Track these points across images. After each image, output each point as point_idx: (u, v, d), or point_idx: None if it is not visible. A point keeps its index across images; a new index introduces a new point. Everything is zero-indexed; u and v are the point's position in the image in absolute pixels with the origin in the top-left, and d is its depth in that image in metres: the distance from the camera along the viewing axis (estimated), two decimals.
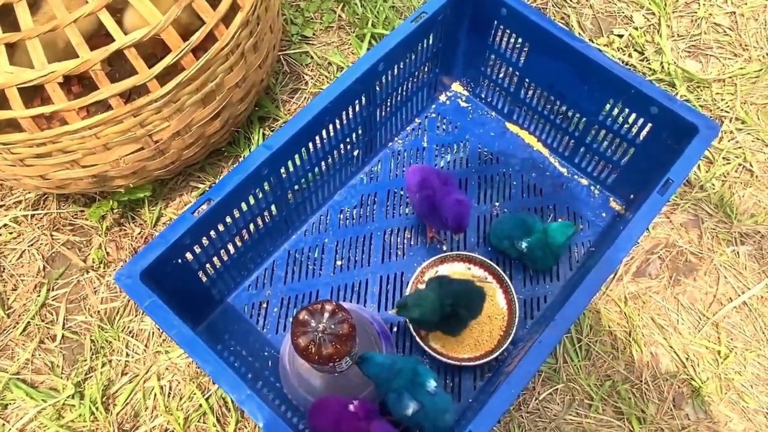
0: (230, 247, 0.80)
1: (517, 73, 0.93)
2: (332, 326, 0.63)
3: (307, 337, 0.62)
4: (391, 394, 0.72)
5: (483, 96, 1.02)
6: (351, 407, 0.72)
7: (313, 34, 1.09)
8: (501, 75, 0.97)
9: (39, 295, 0.90)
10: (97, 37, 0.81)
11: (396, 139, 1.00)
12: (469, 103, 1.04)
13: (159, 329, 0.87)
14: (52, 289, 0.91)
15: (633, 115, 0.83)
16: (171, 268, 0.71)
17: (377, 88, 0.85)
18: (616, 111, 0.84)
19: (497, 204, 0.95)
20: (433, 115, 1.03)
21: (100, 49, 0.69)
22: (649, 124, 0.82)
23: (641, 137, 0.84)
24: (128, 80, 0.72)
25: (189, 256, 0.74)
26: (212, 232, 0.75)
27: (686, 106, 0.77)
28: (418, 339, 0.82)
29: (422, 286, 0.84)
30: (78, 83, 0.92)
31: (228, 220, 0.76)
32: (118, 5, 0.80)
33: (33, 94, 0.78)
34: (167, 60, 0.73)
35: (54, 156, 0.76)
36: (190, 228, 0.70)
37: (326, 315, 0.63)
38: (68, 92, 0.90)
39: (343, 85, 0.78)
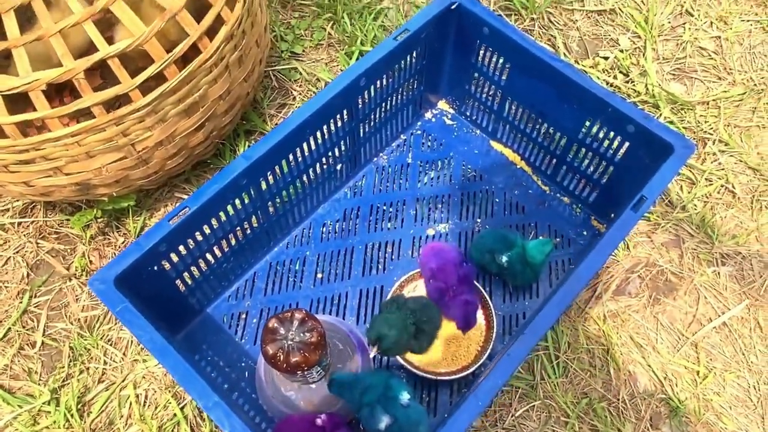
0: (209, 256, 0.81)
1: (500, 91, 0.95)
2: (301, 334, 0.63)
3: (276, 345, 0.62)
4: (364, 408, 0.72)
5: (468, 114, 1.04)
6: (318, 421, 0.72)
7: (303, 51, 1.11)
8: (485, 94, 0.98)
9: (21, 302, 0.90)
10: (89, 51, 0.83)
11: (381, 154, 1.01)
12: (454, 121, 1.05)
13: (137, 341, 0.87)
14: (35, 296, 0.91)
15: (611, 134, 0.84)
16: (147, 275, 0.72)
17: (360, 103, 0.87)
18: (594, 129, 0.85)
19: (479, 220, 0.95)
20: (419, 131, 1.04)
21: (83, 58, 0.71)
22: (627, 143, 0.83)
23: (619, 156, 0.85)
24: (111, 89, 0.73)
25: (166, 264, 0.74)
26: (189, 241, 0.75)
27: (662, 125, 0.78)
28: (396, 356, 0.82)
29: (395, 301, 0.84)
30: (70, 95, 0.94)
31: (206, 229, 0.76)
32: (109, 22, 0.82)
33: (24, 104, 0.80)
34: (150, 70, 0.74)
35: (37, 163, 0.77)
36: (166, 235, 0.70)
37: (296, 323, 0.63)
38: (60, 103, 0.92)
39: (324, 99, 0.79)
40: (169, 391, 0.83)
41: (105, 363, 0.85)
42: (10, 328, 0.88)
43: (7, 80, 0.70)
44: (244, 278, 0.90)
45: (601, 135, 0.85)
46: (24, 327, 0.89)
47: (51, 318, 0.90)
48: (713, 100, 1.07)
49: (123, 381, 0.84)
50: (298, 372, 0.64)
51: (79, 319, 0.89)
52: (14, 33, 0.71)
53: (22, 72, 0.70)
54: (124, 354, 0.86)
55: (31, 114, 0.72)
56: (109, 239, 0.94)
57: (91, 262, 0.93)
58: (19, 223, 0.97)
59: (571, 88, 0.83)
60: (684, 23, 1.15)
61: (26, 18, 0.76)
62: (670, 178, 0.75)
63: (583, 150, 0.89)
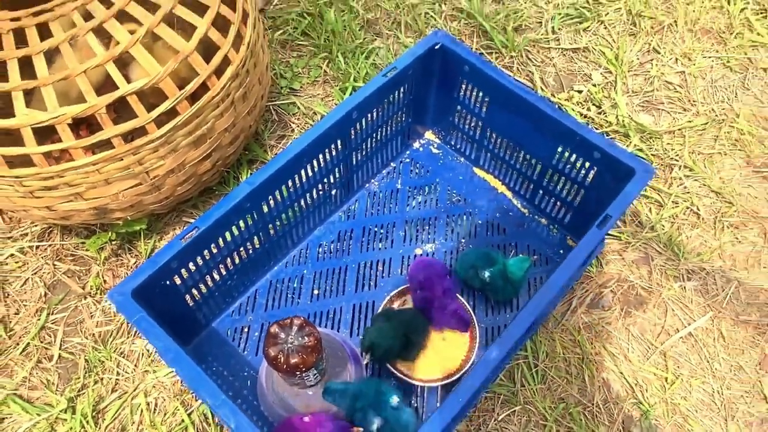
0: (215, 274, 0.89)
1: (481, 123, 1.04)
2: (300, 338, 0.70)
3: (277, 348, 0.70)
4: (358, 413, 0.79)
5: (453, 143, 1.13)
6: (306, 418, 0.78)
7: (301, 87, 1.21)
8: (467, 125, 1.07)
9: (39, 319, 0.97)
10: (105, 87, 0.92)
11: (372, 180, 1.10)
12: (440, 150, 1.14)
13: (148, 350, 0.94)
14: (52, 314, 0.98)
15: (580, 160, 0.92)
16: (159, 290, 0.79)
17: (352, 134, 0.95)
18: (566, 156, 0.94)
19: (463, 240, 1.03)
20: (407, 160, 1.13)
21: (105, 95, 0.80)
22: (594, 168, 0.91)
23: (589, 180, 0.93)
24: (129, 122, 0.82)
25: (177, 279, 0.82)
26: (198, 258, 0.83)
27: (625, 151, 0.87)
28: (387, 363, 0.89)
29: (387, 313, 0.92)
30: (86, 128, 1.03)
31: (213, 248, 0.84)
32: (125, 61, 0.91)
33: (45, 135, 0.88)
34: (164, 105, 0.83)
35: (60, 189, 0.85)
36: (177, 253, 0.78)
37: (295, 329, 0.71)
38: (77, 136, 1.00)
39: (320, 131, 0.88)
40: (178, 399, 0.90)
41: (118, 374, 0.92)
42: (29, 343, 0.95)
43: (37, 115, 0.79)
44: (247, 295, 0.98)
45: (572, 161, 0.94)
46: (41, 342, 0.96)
47: (67, 333, 0.97)
48: (679, 129, 1.16)
49: (134, 390, 0.91)
50: (297, 373, 0.71)
51: (93, 334, 0.96)
52: (43, 72, 0.80)
53: (51, 107, 0.79)
54: (135, 365, 0.93)
55: (58, 145, 0.80)
56: (122, 260, 1.02)
57: (105, 281, 1.00)
58: (38, 247, 1.05)
59: (544, 119, 0.92)
60: (651, 59, 1.25)
61: (48, 57, 0.85)
62: (631, 199, 0.83)
63: (557, 175, 0.98)
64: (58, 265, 1.03)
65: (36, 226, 1.06)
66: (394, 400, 0.80)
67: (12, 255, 1.04)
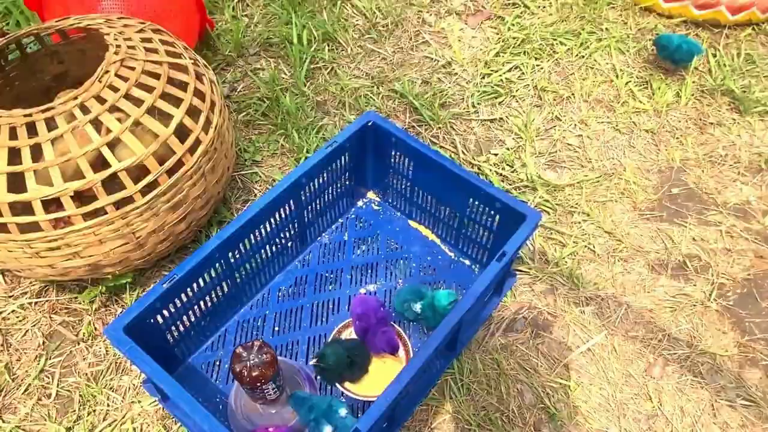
0: (191, 315, 1.07)
1: (410, 183, 1.26)
2: (259, 356, 0.89)
3: (241, 364, 0.88)
4: (311, 422, 0.97)
5: (390, 201, 1.35)
6: (270, 429, 0.96)
7: (262, 159, 1.43)
8: (400, 185, 1.29)
9: (38, 363, 1.14)
10: (97, 164, 1.12)
11: (323, 234, 1.30)
12: (380, 207, 1.36)
13: (134, 385, 1.11)
14: (49, 358, 1.15)
15: (487, 210, 1.15)
16: (145, 327, 0.97)
17: (302, 196, 1.17)
18: (476, 207, 1.16)
19: (400, 281, 1.24)
20: (353, 216, 1.34)
21: (101, 172, 1.00)
22: (498, 215, 1.13)
23: (495, 225, 1.15)
24: (120, 193, 1.02)
25: (159, 318, 1.00)
26: (177, 300, 1.02)
27: (518, 201, 1.09)
28: (336, 384, 1.07)
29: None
30: (78, 197, 1.22)
31: (189, 291, 1.03)
32: (113, 143, 1.11)
33: (49, 204, 1.07)
34: (148, 178, 1.04)
35: (61, 249, 1.04)
36: (160, 295, 0.97)
37: (255, 349, 0.90)
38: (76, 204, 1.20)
39: (275, 194, 1.09)
40: (160, 423, 1.06)
41: (108, 405, 1.08)
42: (30, 384, 1.11)
43: (45, 189, 0.99)
44: (218, 333, 1.15)
45: (481, 211, 1.16)
46: (41, 382, 1.12)
47: (63, 374, 1.13)
48: (577, 182, 1.40)
49: (123, 418, 1.07)
50: (258, 384, 0.89)
51: (86, 374, 1.12)
52: (50, 156, 1.00)
53: (56, 183, 0.99)
54: (123, 398, 1.09)
55: (62, 213, 1.00)
56: (110, 310, 1.20)
57: (95, 329, 1.17)
58: (36, 303, 1.22)
59: (456, 178, 1.14)
60: (554, 126, 1.50)
61: (53, 141, 1.05)
62: (524, 237, 1.05)
63: (472, 223, 1.20)
64: (54, 318, 1.20)
65: (34, 285, 1.23)
66: (342, 411, 0.98)
67: (13, 311, 1.21)
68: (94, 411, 1.08)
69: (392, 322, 1.13)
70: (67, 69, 1.37)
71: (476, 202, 1.15)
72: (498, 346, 1.17)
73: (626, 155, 1.45)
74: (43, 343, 1.17)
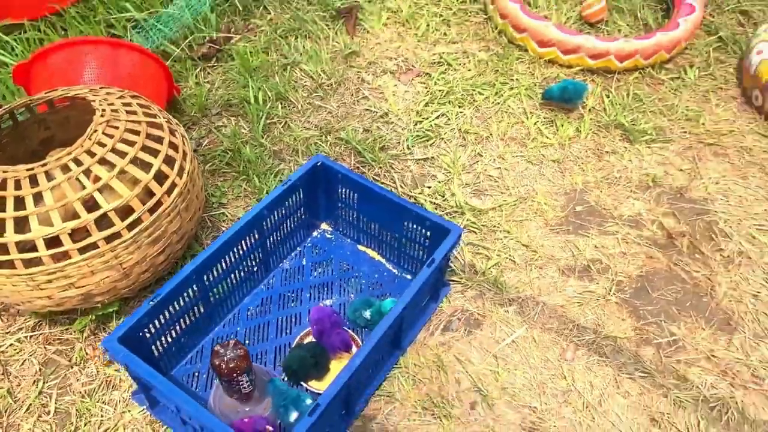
0: (173, 331, 1.25)
1: (356, 213, 1.49)
2: (234, 351, 1.08)
3: (219, 358, 1.07)
4: (281, 408, 1.16)
5: (341, 229, 1.57)
6: (246, 419, 1.14)
7: (227, 201, 1.64)
8: (348, 215, 1.52)
9: (37, 387, 1.29)
10: (89, 205, 1.32)
11: (284, 260, 1.51)
12: (332, 235, 1.58)
13: (123, 398, 1.27)
14: (46, 382, 1.30)
15: (419, 228, 1.38)
16: (136, 340, 1.15)
17: (264, 227, 1.38)
18: (411, 228, 1.39)
19: (352, 295, 1.44)
20: (309, 244, 1.56)
21: (93, 212, 1.20)
22: (429, 232, 1.37)
23: (427, 242, 1.38)
24: (109, 230, 1.22)
25: (146, 333, 1.18)
26: (161, 317, 1.20)
27: (443, 219, 1.33)
28: (302, 383, 1.26)
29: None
30: (73, 235, 1.40)
31: (171, 309, 1.22)
32: (102, 188, 1.31)
33: (48, 241, 1.25)
34: (133, 216, 1.24)
35: (59, 280, 1.22)
36: (147, 312, 1.16)
37: (230, 346, 1.09)
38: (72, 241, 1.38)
39: (240, 225, 1.30)
40: (150, 426, 1.22)
41: (102, 416, 1.24)
42: (30, 404, 1.27)
43: (45, 229, 1.18)
44: (196, 349, 1.34)
45: (415, 230, 1.39)
46: (40, 401, 1.27)
47: (59, 394, 1.29)
48: (499, 206, 1.65)
49: (115, 426, 1.23)
50: (234, 375, 1.08)
51: (80, 392, 1.28)
52: (50, 201, 1.20)
53: (56, 224, 1.18)
54: (115, 409, 1.25)
55: (60, 248, 1.18)
56: (98, 337, 1.36)
57: (86, 353, 1.34)
58: (31, 336, 1.38)
59: (394, 205, 1.38)
60: (477, 161, 1.77)
61: (52, 189, 1.25)
62: (449, 248, 1.28)
63: (409, 242, 1.43)
64: (48, 348, 1.36)
65: (29, 321, 1.40)
66: (308, 401, 1.17)
67: (11, 344, 1.37)
68: (90, 422, 1.24)
69: (345, 327, 1.34)
70: (53, 134, 1.57)
71: (411, 224, 1.39)
72: (437, 343, 1.38)
73: (537, 182, 1.71)
74: (40, 369, 1.33)
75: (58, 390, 1.29)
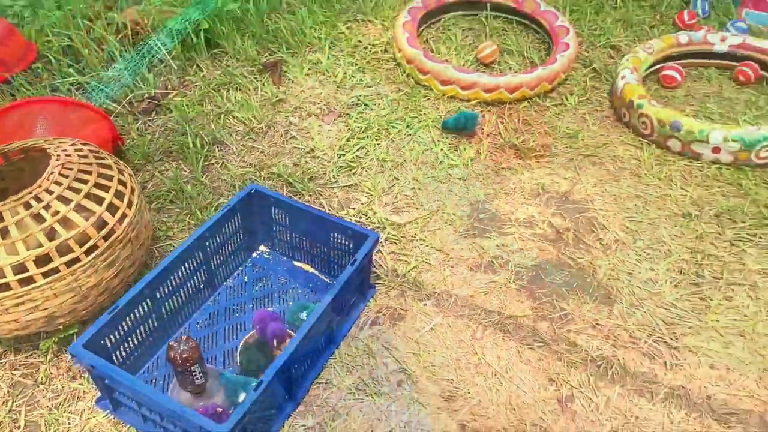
0: (130, 342, 1.42)
1: (290, 232, 1.71)
2: (186, 344, 1.27)
3: (174, 351, 1.25)
4: (232, 394, 1.34)
5: (277, 249, 1.78)
6: (200, 409, 1.32)
7: (173, 234, 1.83)
8: (283, 235, 1.73)
9: (6, 406, 1.42)
10: (50, 235, 1.48)
11: (228, 279, 1.70)
12: (270, 255, 1.78)
13: (88, 407, 1.42)
14: (15, 401, 1.44)
15: (343, 238, 1.61)
16: (98, 348, 1.32)
17: (207, 248, 1.58)
18: (337, 239, 1.62)
19: (290, 303, 1.65)
20: (249, 264, 1.76)
21: (54, 241, 1.38)
22: (351, 241, 1.60)
23: (352, 249, 1.61)
24: (70, 255, 1.39)
25: (107, 341, 1.35)
26: (119, 327, 1.37)
27: (363, 227, 1.57)
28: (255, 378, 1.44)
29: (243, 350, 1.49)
30: (37, 261, 1.56)
31: (128, 321, 1.39)
32: (61, 220, 1.49)
33: (15, 268, 1.41)
34: (90, 243, 1.42)
35: (25, 304, 1.38)
36: (107, 322, 1.33)
37: (183, 340, 1.27)
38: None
39: (184, 246, 1.50)
40: (114, 428, 1.37)
41: (69, 424, 1.38)
42: (1, 421, 1.39)
43: (12, 257, 1.34)
44: (152, 360, 1.50)
45: (340, 241, 1.62)
46: (10, 418, 1.40)
47: (28, 410, 1.42)
48: (414, 220, 1.90)
49: (82, 430, 1.37)
50: (187, 365, 1.26)
51: (48, 406, 1.42)
52: (15, 234, 1.37)
53: (21, 252, 1.35)
54: (80, 417, 1.40)
55: (26, 274, 1.35)
56: (61, 358, 1.51)
57: (51, 373, 1.48)
58: None
59: (321, 220, 1.61)
60: (394, 184, 2.02)
61: (17, 223, 1.41)
62: (368, 250, 1.51)
63: (336, 252, 1.65)
64: (15, 372, 1.49)
65: None
66: (254, 385, 1.36)
67: None
68: (58, 430, 1.38)
69: (285, 327, 1.53)
70: (8, 186, 1.74)
71: (336, 235, 1.61)
72: (367, 336, 1.59)
73: (446, 197, 1.98)
74: (8, 391, 1.46)
75: (27, 407, 1.43)
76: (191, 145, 2.09)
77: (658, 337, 1.59)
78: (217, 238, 1.61)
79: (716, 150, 1.99)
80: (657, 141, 2.11)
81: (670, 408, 1.45)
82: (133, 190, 1.58)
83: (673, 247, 1.80)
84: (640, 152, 2.11)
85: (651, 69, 2.39)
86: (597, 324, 1.62)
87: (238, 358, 1.46)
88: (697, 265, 1.75)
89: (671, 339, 1.58)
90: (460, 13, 2.78)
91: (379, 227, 1.88)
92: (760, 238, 1.82)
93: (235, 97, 2.33)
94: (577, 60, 2.50)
